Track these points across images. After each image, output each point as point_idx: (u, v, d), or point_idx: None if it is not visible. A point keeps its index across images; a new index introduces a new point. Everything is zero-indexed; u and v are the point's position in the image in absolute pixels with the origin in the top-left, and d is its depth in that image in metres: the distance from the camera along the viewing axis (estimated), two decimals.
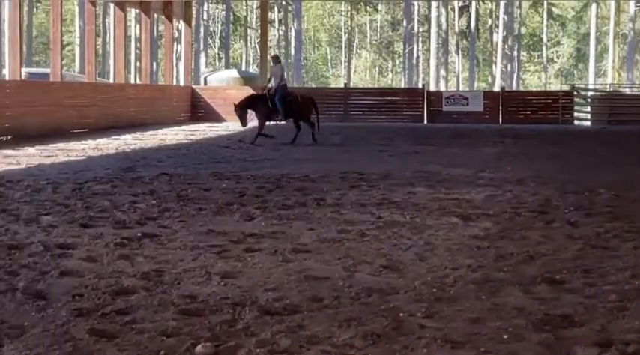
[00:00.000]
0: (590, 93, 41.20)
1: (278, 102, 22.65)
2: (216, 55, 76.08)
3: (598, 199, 11.37)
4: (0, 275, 6.46)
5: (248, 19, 75.04)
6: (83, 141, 22.68)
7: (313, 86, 68.37)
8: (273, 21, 69.14)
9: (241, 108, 22.81)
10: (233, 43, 76.64)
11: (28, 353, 4.61)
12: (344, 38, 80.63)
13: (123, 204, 10.46)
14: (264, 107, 22.71)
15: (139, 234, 8.31)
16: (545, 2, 69.56)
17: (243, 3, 68.40)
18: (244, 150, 20.58)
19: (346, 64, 79.46)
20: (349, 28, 79.77)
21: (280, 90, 23.02)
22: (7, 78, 27.45)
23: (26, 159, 17.18)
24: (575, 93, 40.50)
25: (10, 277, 6.40)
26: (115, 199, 10.86)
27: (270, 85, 23.43)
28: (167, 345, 4.78)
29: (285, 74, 25.03)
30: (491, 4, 69.80)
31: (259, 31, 46.39)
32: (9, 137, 22.91)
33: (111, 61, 42.59)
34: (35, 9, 61.25)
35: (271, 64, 25.36)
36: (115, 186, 12.41)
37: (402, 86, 67.34)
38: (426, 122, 37.05)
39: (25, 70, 31.83)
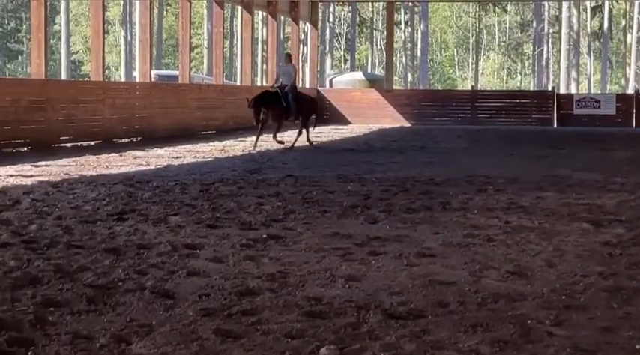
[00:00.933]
0: None
1: (292, 101, 21.77)
2: (342, 57, 76.41)
3: None
4: (129, 274, 6.61)
5: (374, 20, 75.12)
6: (210, 143, 23.05)
7: (439, 88, 68.02)
8: (400, 22, 69.10)
9: (255, 105, 21.27)
10: (359, 44, 76.81)
11: (156, 351, 4.70)
12: (471, 40, 79.99)
13: (248, 205, 10.58)
14: (278, 105, 21.61)
15: (264, 236, 8.40)
16: None
17: (370, 5, 68.45)
18: (369, 153, 20.58)
19: (473, 66, 78.75)
20: (477, 29, 79.06)
21: (292, 90, 22.11)
22: (137, 80, 28.05)
23: (155, 160, 17.55)
24: None
25: (139, 276, 6.55)
26: (241, 201, 11.00)
27: (277, 84, 22.42)
28: (292, 347, 4.81)
29: (296, 75, 23.60)
30: (625, 4, 68.24)
31: (385, 32, 46.37)
32: (139, 138, 23.43)
33: (238, 64, 43.17)
34: (165, 12, 62.47)
35: (281, 63, 25.30)
36: (241, 187, 12.57)
37: (531, 88, 66.44)
38: (555, 125, 36.48)
39: (154, 72, 32.46)
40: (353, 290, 6.20)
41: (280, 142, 21.31)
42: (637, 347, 4.92)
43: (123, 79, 50.38)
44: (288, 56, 24.16)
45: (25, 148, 19.16)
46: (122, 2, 58.00)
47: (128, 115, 24.04)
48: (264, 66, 45.73)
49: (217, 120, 29.18)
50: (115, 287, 6.16)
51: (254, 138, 21.34)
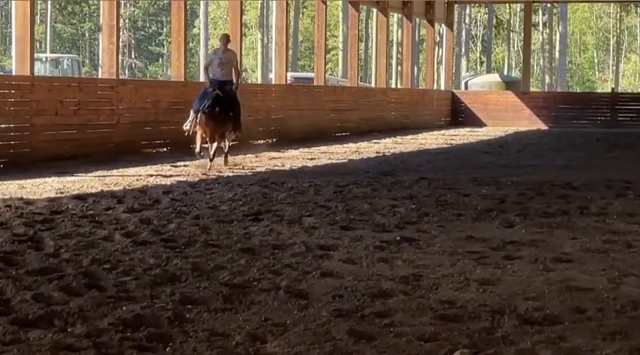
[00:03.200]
0: None
1: (237, 108, 16.51)
2: (478, 59, 75.74)
3: None
4: (264, 273, 6.70)
5: (511, 22, 74.21)
6: (344, 145, 23.15)
7: (578, 91, 66.80)
8: (537, 24, 68.06)
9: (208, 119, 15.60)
10: (495, 46, 76.04)
11: (290, 351, 4.75)
12: (612, 41, 78.32)
13: (382, 207, 10.60)
14: (224, 115, 16.33)
15: (397, 238, 8.40)
16: None
17: (507, 6, 67.66)
18: (505, 156, 20.36)
19: (614, 68, 77.09)
20: (618, 30, 77.35)
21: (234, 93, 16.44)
22: (273, 82, 28.37)
23: (290, 161, 17.72)
24: None
25: (274, 276, 6.63)
26: (375, 202, 11.02)
27: (210, 82, 16.03)
28: (425, 350, 4.79)
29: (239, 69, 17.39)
30: None
31: (522, 34, 45.74)
32: (274, 139, 23.68)
33: (372, 66, 43.23)
34: (301, 14, 63.02)
35: (216, 47, 18.84)
36: (374, 189, 12.59)
37: None
38: None
39: (290, 75, 32.74)
40: (487, 295, 6.15)
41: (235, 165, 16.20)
42: None
43: (259, 81, 50.98)
44: (226, 38, 16.62)
45: (165, 149, 19.56)
46: (259, 5, 58.73)
47: (264, 117, 24.30)
48: (399, 68, 45.67)
49: (351, 122, 29.29)
50: (250, 287, 6.24)
51: (387, 140, 21.12)
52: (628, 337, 5.10)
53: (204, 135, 15.28)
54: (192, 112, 15.70)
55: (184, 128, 15.76)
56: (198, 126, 15.27)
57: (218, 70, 16.14)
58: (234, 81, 16.46)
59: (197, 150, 15.31)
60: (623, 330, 5.24)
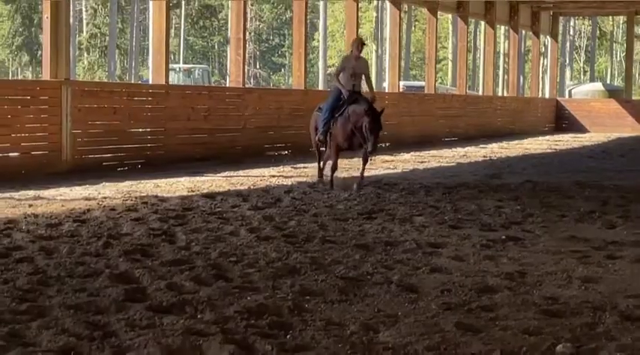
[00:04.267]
0: None
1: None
2: (581, 69, 74.34)
3: None
4: (377, 268, 6.71)
5: (614, 33, 72.70)
6: (453, 149, 23.04)
7: None
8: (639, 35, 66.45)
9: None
10: (598, 56, 74.54)
11: (401, 341, 4.74)
12: None
13: (488, 208, 10.51)
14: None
15: (503, 237, 8.32)
16: None
17: (610, 18, 66.29)
18: (608, 161, 19.96)
19: None
20: None
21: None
22: (386, 90, 28.37)
23: (402, 164, 17.72)
24: None
25: (386, 270, 6.64)
26: (482, 203, 10.93)
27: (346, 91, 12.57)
28: (529, 343, 4.74)
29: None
30: None
31: (625, 44, 44.73)
32: (387, 144, 23.67)
33: (480, 75, 42.86)
34: (413, 27, 62.89)
35: (348, 54, 13.72)
36: (481, 191, 12.49)
37: None
38: None
39: (402, 83, 32.74)
40: (589, 292, 6.05)
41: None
42: None
43: (375, 88, 51.00)
44: (360, 43, 13.06)
45: (286, 152, 19.73)
46: (374, 19, 58.80)
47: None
48: (505, 77, 45.16)
49: (460, 128, 29.07)
50: (364, 280, 6.26)
51: (493, 144, 20.83)
52: None
53: (340, 146, 12.34)
54: (321, 123, 12.51)
55: (318, 139, 12.69)
56: (335, 136, 12.31)
57: (350, 80, 12.61)
58: (370, 93, 13.20)
59: (324, 169, 13.03)
60: None
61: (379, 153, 20.58)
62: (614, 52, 74.07)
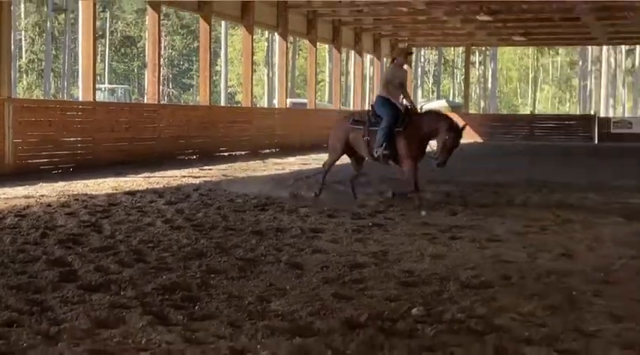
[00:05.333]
0: None
1: None
2: (430, 89, 75.69)
3: None
4: (269, 250, 6.70)
5: (454, 61, 74.30)
6: None
7: (505, 113, 66.75)
8: (475, 62, 68.12)
9: None
10: (443, 79, 76.06)
11: (289, 308, 4.75)
12: (531, 75, 78.41)
13: (359, 200, 10.59)
14: None
15: (370, 224, 8.41)
16: None
17: (452, 49, 67.77)
18: (451, 162, 20.33)
19: (532, 95, 77.23)
20: (535, 67, 77.51)
21: None
22: (276, 106, 28.40)
23: (289, 166, 17.73)
24: None
25: (277, 252, 6.63)
26: (352, 196, 11.00)
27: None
28: (390, 308, 4.80)
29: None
30: None
31: (463, 70, 45.82)
32: (277, 149, 23.71)
33: (351, 94, 43.21)
34: (297, 55, 63.07)
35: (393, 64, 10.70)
36: (352, 187, 12.55)
37: (577, 113, 64.70)
38: (596, 142, 35.50)
39: (289, 100, 32.80)
40: (437, 266, 6.17)
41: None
42: None
43: (265, 106, 50.96)
44: (407, 53, 11.03)
45: (194, 156, 19.55)
46: (265, 48, 58.77)
47: (269, 133, 24.32)
48: (371, 95, 45.72)
49: None
50: (259, 260, 6.25)
51: None
52: (543, 297, 5.12)
53: (416, 159, 10.11)
54: (382, 137, 9.88)
55: (377, 153, 9.96)
56: (408, 149, 9.92)
57: (399, 90, 10.27)
58: (409, 102, 10.44)
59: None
60: (539, 292, 5.27)
61: (270, 157, 20.61)
62: (454, 75, 75.68)
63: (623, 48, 65.30)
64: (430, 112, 10.79)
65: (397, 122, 9.81)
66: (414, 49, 10.16)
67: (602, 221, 8.86)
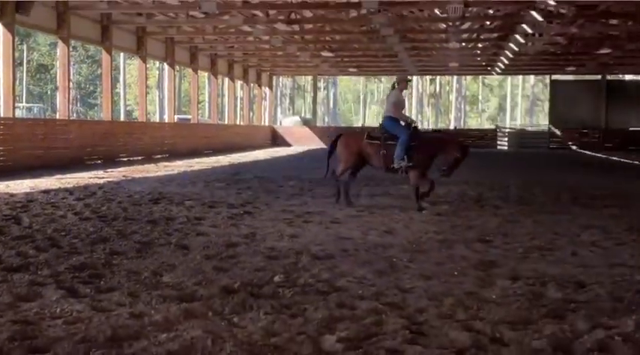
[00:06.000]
0: (507, 130, 40.65)
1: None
2: (287, 107, 76.04)
3: (511, 192, 11.24)
4: (161, 235, 6.53)
5: (305, 86, 74.99)
6: (210, 157, 22.83)
7: (344, 125, 68.15)
8: (320, 87, 69.04)
9: None
10: (297, 100, 76.62)
11: (177, 280, 4.65)
12: (361, 97, 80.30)
13: (232, 194, 10.52)
14: None
15: (242, 212, 8.36)
16: (480, 76, 68.74)
17: (303, 77, 68.34)
18: (301, 162, 20.57)
19: (363, 112, 79.14)
20: (365, 91, 79.41)
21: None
22: (165, 120, 27.73)
23: (177, 168, 17.33)
24: (498, 130, 40.04)
25: (167, 236, 6.47)
26: (228, 191, 10.92)
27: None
28: (258, 276, 4.80)
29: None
30: (448, 78, 69.08)
31: (312, 93, 46.31)
32: (167, 155, 23.13)
33: (226, 111, 42.78)
34: (183, 80, 61.89)
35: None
36: (228, 183, 12.47)
37: None
38: None
39: (176, 116, 32.14)
40: (294, 243, 6.20)
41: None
42: (455, 273, 5.00)
43: (157, 120, 49.64)
44: (407, 81, 9.52)
45: (99, 161, 18.77)
46: (157, 74, 57.27)
47: (160, 142, 23.69)
48: (241, 112, 45.41)
49: (214, 145, 28.89)
50: (153, 243, 6.08)
51: (235, 155, 20.65)
52: (372, 264, 5.25)
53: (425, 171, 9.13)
54: (402, 153, 8.88)
55: (398, 165, 8.92)
56: (421, 162, 8.98)
57: (401, 112, 9.28)
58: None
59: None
60: (370, 261, 5.40)
61: (162, 161, 20.08)
62: (305, 97, 76.35)
63: (428, 77, 68.18)
64: (439, 132, 10.00)
65: (411, 139, 8.94)
66: (411, 78, 9.19)
67: (413, 205, 9.18)
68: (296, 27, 23.57)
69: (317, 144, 36.98)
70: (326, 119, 71.14)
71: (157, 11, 20.76)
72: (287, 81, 72.17)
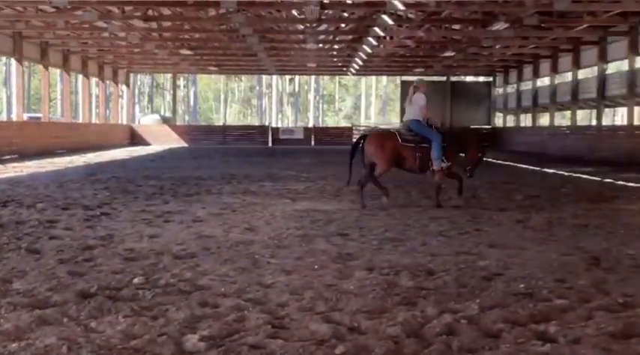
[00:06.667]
0: (363, 128, 42.04)
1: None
2: (146, 106, 73.61)
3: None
4: (11, 239, 6.10)
5: (164, 84, 73.01)
6: (64, 158, 21.61)
7: (204, 124, 67.20)
8: (180, 85, 67.52)
9: None
10: (155, 98, 74.41)
11: (29, 286, 4.37)
12: (222, 96, 79.58)
13: (89, 195, 10.04)
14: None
15: (98, 213, 8.00)
16: (337, 76, 70.53)
17: (162, 75, 66.45)
18: (164, 162, 20.05)
19: (223, 111, 78.48)
20: (226, 89, 78.78)
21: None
22: (14, 119, 25.86)
23: (27, 169, 16.25)
24: (354, 128, 41.33)
25: (17, 241, 6.06)
26: (83, 192, 10.41)
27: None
28: (116, 279, 4.62)
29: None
30: (307, 77, 70.25)
31: (172, 91, 45.23)
32: (16, 155, 21.60)
33: (80, 109, 40.66)
34: (33, 76, 58.00)
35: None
36: (83, 184, 11.88)
37: (256, 124, 67.01)
38: (270, 145, 37.08)
39: (25, 115, 30.12)
40: (153, 243, 6.04)
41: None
42: (315, 267, 5.10)
43: (5, 119, 46.19)
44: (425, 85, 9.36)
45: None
46: (4, 69, 53.32)
47: (8, 142, 22.08)
48: (97, 110, 43.35)
49: (68, 143, 27.37)
50: (2, 249, 5.66)
51: (90, 155, 19.74)
52: (234, 261, 5.23)
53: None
54: (439, 154, 8.82)
55: (439, 166, 8.81)
56: (453, 161, 8.93)
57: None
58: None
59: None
60: (232, 258, 5.37)
61: (10, 162, 18.72)
62: (164, 95, 74.36)
63: (288, 77, 68.96)
64: (460, 132, 9.62)
65: (442, 140, 8.81)
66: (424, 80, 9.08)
67: (275, 202, 9.27)
68: (153, 24, 22.90)
69: (177, 142, 36.24)
70: (186, 118, 69.78)
71: (3, 4, 19.30)
72: (146, 79, 69.93)
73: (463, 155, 9.04)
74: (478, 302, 4.02)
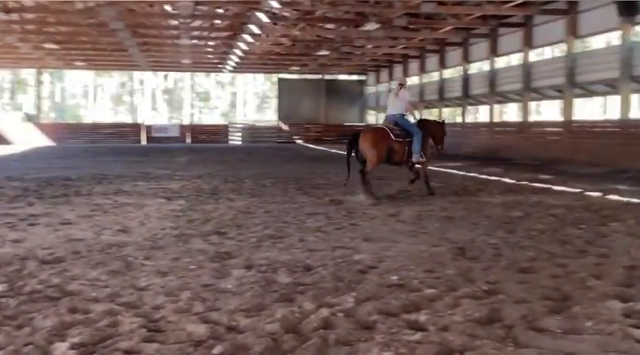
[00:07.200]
0: (240, 125, 41.79)
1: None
2: (8, 103, 68.78)
3: (244, 185, 11.60)
4: None
5: (28, 79, 68.59)
6: None
7: (72, 122, 63.94)
8: (44, 81, 63.75)
9: None
10: (18, 95, 69.77)
11: None
12: (91, 92, 76.01)
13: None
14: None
15: None
16: (212, 73, 69.50)
17: (25, 70, 62.41)
18: (27, 162, 18.86)
19: (93, 108, 75.00)
20: (95, 85, 75.28)
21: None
22: None
23: None
24: (230, 125, 41.05)
25: None
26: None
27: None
28: None
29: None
30: (182, 74, 68.79)
31: (36, 87, 42.63)
32: None
33: None
34: None
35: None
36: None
37: (129, 122, 64.70)
38: (144, 143, 35.97)
39: None
40: (18, 248, 5.67)
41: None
42: (193, 267, 4.99)
43: None
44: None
45: None
46: None
47: None
48: None
49: None
50: None
51: None
52: (106, 265, 5.01)
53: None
54: (419, 146, 9.48)
55: (419, 159, 9.54)
56: (426, 150, 9.77)
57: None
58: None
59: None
60: (103, 261, 5.14)
61: None
62: (28, 91, 69.87)
63: (162, 73, 67.15)
64: (427, 122, 10.13)
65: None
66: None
67: (149, 202, 9.00)
68: (15, 16, 21.46)
69: (43, 141, 34.23)
70: (53, 115, 66.06)
71: None
72: (6, 74, 65.39)
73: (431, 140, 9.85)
74: (354, 296, 4.12)
